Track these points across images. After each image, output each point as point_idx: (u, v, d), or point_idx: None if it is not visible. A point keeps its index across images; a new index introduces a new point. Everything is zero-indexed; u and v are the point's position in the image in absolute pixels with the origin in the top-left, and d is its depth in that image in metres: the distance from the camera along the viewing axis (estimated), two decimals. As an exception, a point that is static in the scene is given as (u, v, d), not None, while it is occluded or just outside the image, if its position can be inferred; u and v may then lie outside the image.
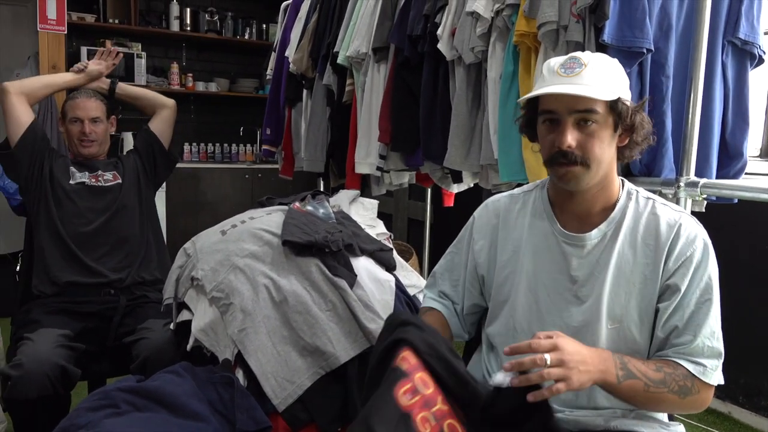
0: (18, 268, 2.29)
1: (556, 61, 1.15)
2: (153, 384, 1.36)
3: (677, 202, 1.61)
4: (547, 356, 0.96)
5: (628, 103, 1.14)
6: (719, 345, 1.10)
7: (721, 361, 1.11)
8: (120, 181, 2.16)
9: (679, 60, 1.69)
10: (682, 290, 1.11)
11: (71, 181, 2.09)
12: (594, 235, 1.17)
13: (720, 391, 2.74)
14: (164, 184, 2.86)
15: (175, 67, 4.70)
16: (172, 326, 1.71)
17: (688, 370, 1.08)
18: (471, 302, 1.33)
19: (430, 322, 1.26)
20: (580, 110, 1.10)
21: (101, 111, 2.16)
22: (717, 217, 1.82)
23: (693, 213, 1.64)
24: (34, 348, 1.67)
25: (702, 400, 1.10)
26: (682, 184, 1.60)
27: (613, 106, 1.11)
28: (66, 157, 2.19)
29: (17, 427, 1.66)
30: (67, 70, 3.69)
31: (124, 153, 2.38)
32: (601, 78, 1.11)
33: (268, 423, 1.35)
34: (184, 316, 1.63)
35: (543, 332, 1.01)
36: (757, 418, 2.61)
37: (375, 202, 2.01)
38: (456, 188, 2.51)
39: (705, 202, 1.84)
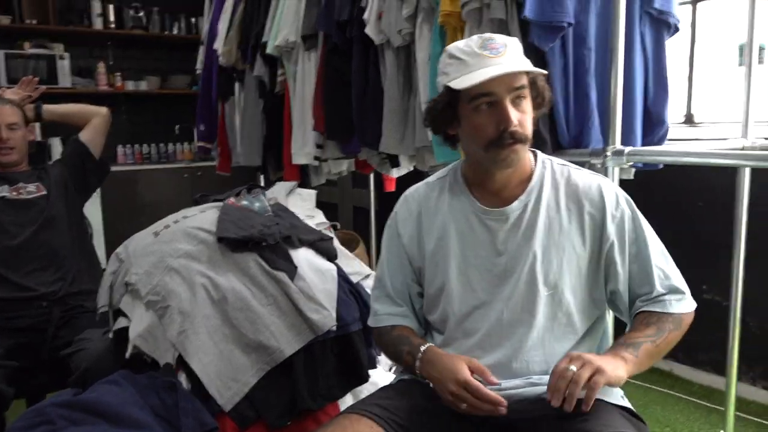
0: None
1: (471, 44, 1.15)
2: (90, 396, 1.31)
3: (605, 172, 1.64)
4: (572, 366, 1.04)
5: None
6: (673, 281, 1.20)
7: (685, 290, 1.21)
8: (45, 192, 2.07)
9: (600, 32, 1.73)
10: (626, 251, 1.19)
11: None
12: (515, 206, 1.21)
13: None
14: (99, 190, 2.76)
15: (101, 67, 4.53)
16: (110, 335, 1.66)
17: (662, 312, 1.17)
18: (417, 292, 1.32)
19: (406, 333, 1.28)
20: (517, 87, 1.14)
21: (18, 117, 2.07)
22: (647, 182, 1.88)
23: (622, 180, 1.69)
24: (-39, 370, 1.59)
25: (689, 320, 1.21)
26: (609, 153, 1.63)
27: (533, 81, 1.18)
28: None
29: (-50, 453, 1.58)
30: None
31: (51, 161, 2.28)
32: (520, 54, 1.18)
33: (215, 424, 1.32)
34: (122, 323, 1.57)
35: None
36: (696, 372, 2.73)
37: (313, 192, 1.99)
38: (395, 172, 2.51)
39: (633, 170, 1.90)
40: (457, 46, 1.17)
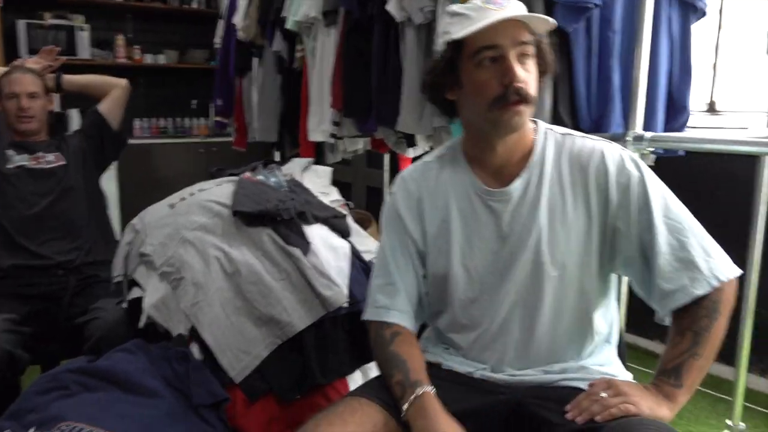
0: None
1: (474, 1, 1.09)
2: (104, 363, 1.33)
3: (626, 157, 1.63)
4: (603, 393, 1.01)
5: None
6: (690, 253, 1.05)
7: (703, 266, 1.04)
8: (64, 162, 2.08)
9: (626, 15, 1.69)
10: (632, 218, 1.08)
11: (9, 165, 2.00)
12: (518, 185, 1.13)
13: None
14: (115, 161, 2.77)
15: (120, 40, 4.52)
16: (124, 304, 1.68)
17: (691, 305, 1.04)
18: (422, 275, 1.24)
19: (405, 355, 1.14)
20: (523, 41, 1.06)
21: (38, 86, 2.07)
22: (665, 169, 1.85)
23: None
24: (-23, 334, 1.61)
25: (731, 294, 1.06)
26: (629, 138, 1.61)
27: (538, 44, 1.10)
28: (2, 141, 2.09)
29: (-34, 414, 1.61)
30: (4, 44, 3.54)
31: (70, 132, 2.30)
32: (525, 10, 1.09)
33: (225, 395, 1.34)
34: (136, 293, 1.59)
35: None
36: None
37: (328, 170, 1.99)
38: (411, 153, 2.49)
39: (653, 156, 1.87)
40: (458, 5, 1.10)
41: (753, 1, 2.61)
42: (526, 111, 1.09)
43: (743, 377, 2.09)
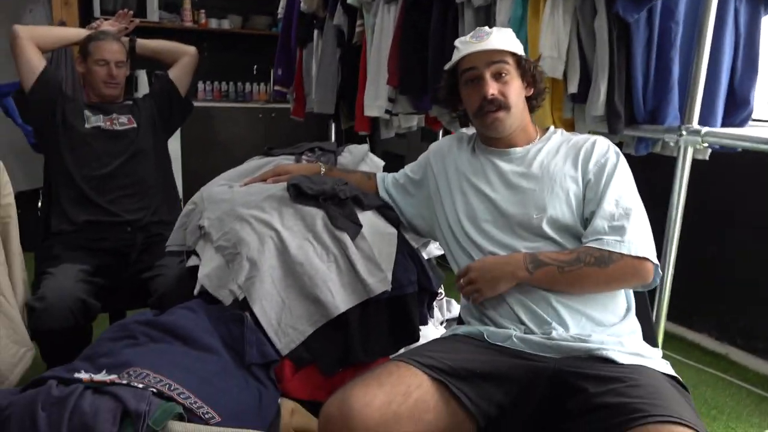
0: (39, 204, 2.36)
1: (466, 36, 1.42)
2: (169, 318, 1.44)
3: (678, 150, 1.62)
4: (462, 280, 1.33)
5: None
6: (621, 223, 1.26)
7: (625, 236, 1.24)
8: (135, 125, 2.19)
9: (691, 6, 1.66)
10: (599, 188, 1.32)
11: (86, 125, 2.12)
12: (519, 150, 1.43)
13: (718, 333, 2.80)
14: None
15: (187, 3, 4.64)
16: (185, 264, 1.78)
17: (594, 246, 1.25)
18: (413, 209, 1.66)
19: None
20: (495, 61, 1.37)
21: (125, 55, 2.20)
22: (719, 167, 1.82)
23: (695, 161, 1.66)
24: (55, 282, 1.76)
25: (630, 268, 1.24)
26: (684, 132, 1.61)
27: (519, 61, 1.40)
28: (78, 100, 2.22)
29: (44, 353, 1.77)
30: (79, 11, 3.69)
31: (139, 93, 2.41)
32: (505, 40, 1.40)
33: (276, 356, 1.42)
34: (193, 261, 1.68)
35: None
36: (754, 359, 2.68)
37: (381, 163, 2.04)
38: (465, 131, 2.51)
39: (709, 151, 1.85)
40: (457, 40, 1.44)
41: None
42: (504, 116, 1.38)
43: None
